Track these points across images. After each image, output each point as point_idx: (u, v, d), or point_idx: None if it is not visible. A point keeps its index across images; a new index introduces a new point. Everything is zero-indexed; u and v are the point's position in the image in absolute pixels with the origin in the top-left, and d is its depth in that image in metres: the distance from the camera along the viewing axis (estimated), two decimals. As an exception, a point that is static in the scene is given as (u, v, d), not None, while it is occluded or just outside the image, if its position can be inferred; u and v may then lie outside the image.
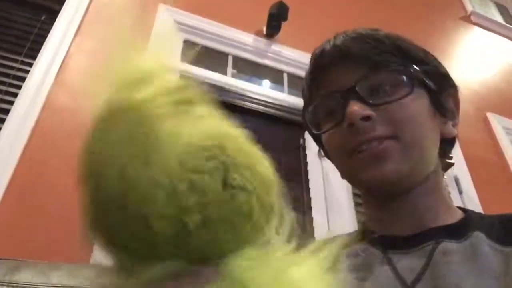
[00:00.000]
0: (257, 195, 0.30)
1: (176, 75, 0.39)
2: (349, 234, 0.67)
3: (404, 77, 0.56)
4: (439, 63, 0.62)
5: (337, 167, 0.64)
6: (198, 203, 0.27)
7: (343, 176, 0.63)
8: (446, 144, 0.61)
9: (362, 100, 0.54)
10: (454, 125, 0.61)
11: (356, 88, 0.55)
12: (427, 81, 0.57)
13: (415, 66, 0.57)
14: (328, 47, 0.61)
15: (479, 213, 0.60)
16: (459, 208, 0.61)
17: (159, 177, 0.27)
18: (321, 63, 0.61)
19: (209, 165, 0.28)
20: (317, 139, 0.67)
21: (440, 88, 0.59)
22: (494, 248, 0.50)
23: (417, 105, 0.56)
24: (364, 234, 0.62)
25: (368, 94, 0.55)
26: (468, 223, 0.55)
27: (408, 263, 0.52)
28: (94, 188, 0.29)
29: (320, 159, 0.72)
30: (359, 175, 0.56)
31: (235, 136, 0.32)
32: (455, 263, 0.49)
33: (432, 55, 0.62)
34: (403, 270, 0.52)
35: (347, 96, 0.55)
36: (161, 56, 0.39)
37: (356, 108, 0.54)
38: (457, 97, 0.63)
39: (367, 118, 0.53)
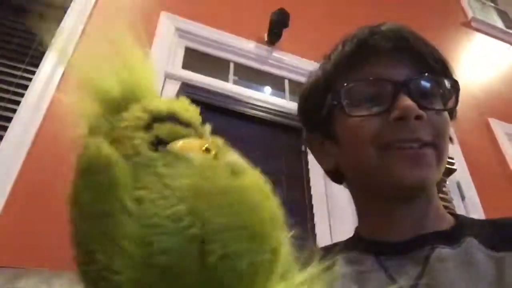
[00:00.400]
0: (249, 254, 0.26)
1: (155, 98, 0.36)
2: (343, 241, 0.67)
3: (452, 89, 0.57)
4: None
5: (355, 158, 0.59)
6: None
7: (357, 168, 0.59)
8: None
9: (413, 99, 0.53)
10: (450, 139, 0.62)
11: (410, 84, 0.54)
12: (457, 101, 0.58)
13: (453, 82, 0.57)
14: (383, 29, 0.58)
15: (470, 218, 0.60)
16: (450, 213, 0.61)
17: (123, 270, 0.24)
18: (374, 44, 0.57)
19: (180, 241, 0.25)
20: (317, 123, 0.63)
21: (457, 104, 0.59)
22: (486, 254, 0.50)
23: (449, 120, 0.57)
24: (356, 241, 0.62)
25: (419, 95, 0.54)
26: (460, 228, 0.55)
27: (404, 270, 0.52)
28: (76, 259, 0.28)
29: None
30: (393, 171, 0.53)
31: (213, 184, 0.27)
32: (450, 269, 0.49)
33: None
34: (398, 276, 0.52)
35: (399, 88, 0.54)
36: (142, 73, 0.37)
37: (412, 103, 0.52)
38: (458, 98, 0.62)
39: (420, 117, 0.53)
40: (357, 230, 0.65)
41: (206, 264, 0.24)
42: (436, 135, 0.54)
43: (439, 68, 0.57)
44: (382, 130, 0.54)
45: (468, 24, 3.65)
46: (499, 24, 3.92)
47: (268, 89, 2.27)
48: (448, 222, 0.58)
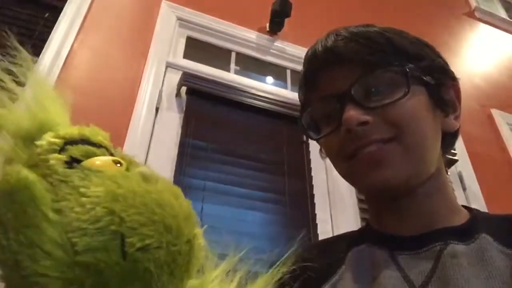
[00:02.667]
0: (166, 245, 0.29)
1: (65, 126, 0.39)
2: (353, 232, 0.67)
3: (400, 77, 0.54)
4: (437, 55, 0.60)
5: (338, 172, 0.62)
6: (97, 285, 0.27)
7: (344, 178, 0.62)
8: (449, 138, 0.59)
9: (358, 104, 0.53)
10: (456, 118, 0.59)
11: (352, 92, 0.53)
12: (424, 78, 0.55)
13: (410, 64, 0.54)
14: (320, 48, 0.59)
15: (485, 213, 0.59)
16: (464, 207, 0.60)
17: (49, 271, 0.27)
18: (314, 66, 0.60)
19: (100, 239, 0.28)
20: (317, 141, 0.65)
21: (438, 82, 0.57)
22: (501, 252, 0.49)
23: (415, 103, 0.54)
24: (368, 233, 0.62)
25: (364, 97, 0.54)
26: (474, 224, 0.54)
27: (416, 265, 0.52)
28: (5, 279, 0.31)
29: (322, 159, 0.71)
30: (359, 179, 0.55)
31: (126, 189, 0.31)
32: (463, 266, 0.48)
33: (430, 47, 0.60)
34: (411, 272, 0.51)
35: (343, 100, 0.54)
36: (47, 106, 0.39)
37: (352, 113, 0.52)
38: (458, 89, 0.61)
39: (364, 123, 0.52)
40: (368, 221, 0.65)
41: (127, 256, 0.28)
42: (396, 128, 0.52)
43: (384, 61, 0.54)
44: (342, 143, 0.55)
45: (472, 14, 3.62)
46: (503, 14, 3.88)
47: (270, 79, 2.26)
48: (461, 216, 0.57)
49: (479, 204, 2.17)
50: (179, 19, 2.09)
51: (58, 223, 0.28)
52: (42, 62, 1.59)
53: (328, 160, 0.63)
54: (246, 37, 2.23)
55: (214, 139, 1.72)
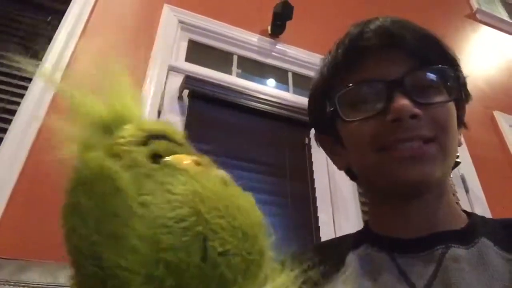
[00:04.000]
0: (242, 252, 0.29)
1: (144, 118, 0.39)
2: (352, 234, 0.66)
3: (452, 80, 0.54)
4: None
5: (356, 161, 0.60)
6: (176, 285, 0.27)
7: (361, 170, 0.59)
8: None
9: (409, 96, 0.52)
10: (460, 134, 0.61)
11: (405, 81, 0.52)
12: (462, 90, 0.56)
13: (457, 71, 0.55)
14: (372, 27, 0.56)
15: (482, 217, 0.59)
16: (463, 210, 0.60)
17: (133, 266, 0.26)
18: (363, 44, 0.56)
19: (184, 239, 0.27)
20: (325, 126, 0.63)
21: (465, 98, 0.58)
22: (501, 256, 0.49)
23: (453, 111, 0.55)
24: (368, 235, 0.61)
25: (415, 91, 0.52)
26: (474, 228, 0.54)
27: (417, 269, 0.51)
28: (76, 266, 0.30)
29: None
30: (393, 172, 0.53)
31: (210, 190, 0.30)
32: (465, 270, 0.48)
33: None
34: (412, 275, 0.51)
35: (393, 88, 0.52)
36: (132, 96, 0.39)
37: (406, 103, 0.51)
38: (465, 109, 0.61)
39: (415, 116, 0.51)
40: (367, 223, 0.64)
41: (208, 259, 0.27)
42: (438, 129, 0.53)
43: (437, 59, 0.54)
44: (380, 131, 0.53)
45: (473, 16, 3.62)
46: (504, 16, 3.88)
47: (271, 81, 2.27)
48: (461, 220, 0.57)
49: (482, 206, 2.17)
50: (181, 22, 2.09)
51: (143, 217, 0.28)
52: (44, 65, 1.60)
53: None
54: (248, 40, 2.23)
55: (216, 142, 1.72)
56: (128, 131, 0.34)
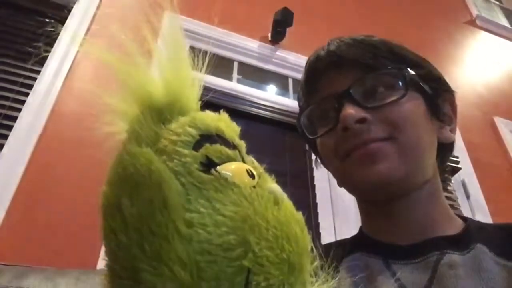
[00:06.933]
0: (285, 286, 0.26)
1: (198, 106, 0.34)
2: (347, 239, 0.66)
3: (399, 80, 0.55)
4: (434, 68, 0.61)
5: (332, 174, 0.63)
6: None
7: (339, 182, 0.62)
8: (445, 150, 0.60)
9: (357, 103, 0.54)
10: (451, 130, 0.61)
11: (350, 91, 0.55)
12: (422, 84, 0.56)
13: (409, 69, 0.56)
14: (322, 53, 0.61)
15: (478, 222, 0.59)
16: (458, 215, 0.60)
17: None
18: (316, 68, 0.61)
19: (230, 271, 0.25)
20: (312, 147, 0.66)
21: (435, 92, 0.58)
22: (497, 263, 0.49)
23: (412, 106, 0.55)
24: (362, 241, 0.61)
25: (362, 97, 0.55)
26: (469, 233, 0.54)
27: (412, 275, 0.51)
28: (111, 268, 0.27)
29: (316, 168, 0.72)
30: (352, 176, 0.55)
31: (261, 216, 0.27)
32: (461, 277, 0.48)
33: (427, 61, 0.61)
34: (407, 282, 0.51)
35: (341, 99, 0.55)
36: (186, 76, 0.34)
37: (350, 111, 0.53)
38: (454, 102, 0.62)
39: (362, 120, 0.53)
40: (362, 229, 0.64)
41: None
42: (392, 128, 0.53)
43: (383, 64, 0.56)
44: (337, 142, 0.56)
45: (473, 23, 3.64)
46: (504, 22, 3.90)
47: (272, 88, 2.27)
48: (456, 226, 0.57)
49: (483, 212, 2.16)
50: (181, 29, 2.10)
51: (188, 239, 0.25)
52: (45, 73, 1.61)
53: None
54: (248, 46, 2.24)
55: (217, 148, 1.71)
56: (182, 127, 0.30)
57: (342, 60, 0.57)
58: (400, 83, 0.55)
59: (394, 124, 0.53)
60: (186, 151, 0.29)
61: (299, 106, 0.67)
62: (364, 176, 0.53)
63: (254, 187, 0.29)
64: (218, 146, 0.30)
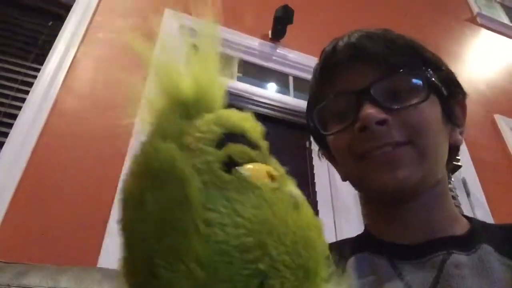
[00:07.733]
0: None
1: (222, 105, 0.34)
2: (353, 238, 0.65)
3: (421, 82, 0.54)
4: (450, 69, 0.60)
5: (341, 170, 0.62)
6: None
7: (348, 179, 0.61)
8: (452, 151, 0.60)
9: (377, 103, 0.52)
10: (461, 133, 0.60)
11: (371, 90, 0.53)
12: (441, 87, 0.55)
13: (430, 71, 0.55)
14: (341, 44, 0.58)
15: (483, 222, 0.59)
16: (463, 216, 0.59)
17: None
18: (334, 60, 0.58)
19: (245, 273, 0.25)
20: (319, 139, 0.65)
21: (451, 94, 0.57)
22: (502, 263, 0.49)
23: (432, 111, 0.54)
24: (368, 240, 0.61)
25: (383, 97, 0.53)
26: (475, 234, 0.54)
27: (418, 275, 0.51)
28: (127, 260, 0.28)
29: (320, 159, 0.71)
30: (370, 179, 0.54)
31: (280, 219, 0.27)
32: (466, 277, 0.48)
33: (443, 61, 0.60)
34: (413, 282, 0.50)
35: (361, 97, 0.53)
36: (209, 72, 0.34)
37: (371, 111, 0.52)
38: (465, 104, 0.61)
39: (382, 122, 0.51)
40: (367, 228, 0.64)
41: None
42: (412, 132, 0.52)
43: (404, 63, 0.54)
44: (353, 141, 0.54)
45: (473, 20, 3.63)
46: (505, 20, 3.89)
47: (272, 85, 2.27)
48: (462, 226, 0.56)
49: (483, 210, 2.16)
50: (182, 26, 2.09)
51: (206, 238, 0.25)
52: (45, 71, 1.60)
53: (331, 167, 0.63)
54: (249, 44, 2.24)
55: (217, 146, 1.72)
56: (207, 124, 0.30)
57: (363, 55, 0.55)
58: (422, 85, 0.54)
59: (414, 129, 0.52)
60: (209, 149, 0.29)
61: (311, 98, 0.64)
62: (383, 181, 0.52)
63: (275, 189, 0.29)
64: (241, 146, 0.30)
